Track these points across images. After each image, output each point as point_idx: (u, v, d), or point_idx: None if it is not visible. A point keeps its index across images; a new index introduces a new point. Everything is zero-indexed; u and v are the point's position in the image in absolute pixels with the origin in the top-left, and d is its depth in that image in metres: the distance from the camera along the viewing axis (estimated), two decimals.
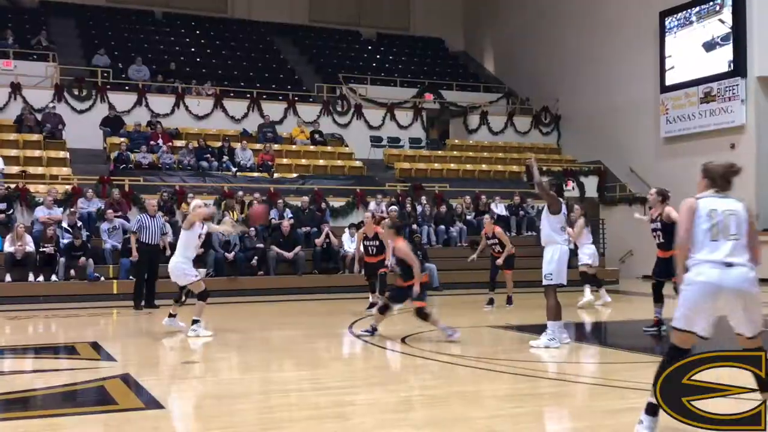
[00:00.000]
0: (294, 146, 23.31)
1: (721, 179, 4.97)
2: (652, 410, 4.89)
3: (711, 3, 21.69)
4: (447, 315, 9.92)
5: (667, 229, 9.48)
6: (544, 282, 8.82)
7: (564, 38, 27.26)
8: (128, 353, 9.03)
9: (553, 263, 8.75)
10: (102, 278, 15.94)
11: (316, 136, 23.87)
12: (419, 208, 19.72)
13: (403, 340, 9.48)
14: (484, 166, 24.40)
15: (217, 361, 8.63)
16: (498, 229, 13.92)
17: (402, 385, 7.09)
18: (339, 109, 25.50)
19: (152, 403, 6.04)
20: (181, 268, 10.12)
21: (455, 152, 25.45)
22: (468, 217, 20.25)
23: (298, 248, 17.45)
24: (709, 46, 21.72)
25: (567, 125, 27.65)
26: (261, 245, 17.30)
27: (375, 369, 8.33)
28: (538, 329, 9.10)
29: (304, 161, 22.49)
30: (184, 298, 11.44)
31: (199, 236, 10.78)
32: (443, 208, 20.10)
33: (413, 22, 34.48)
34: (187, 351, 9.27)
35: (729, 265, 4.67)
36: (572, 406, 6.20)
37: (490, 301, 13.75)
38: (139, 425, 5.43)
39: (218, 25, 30.72)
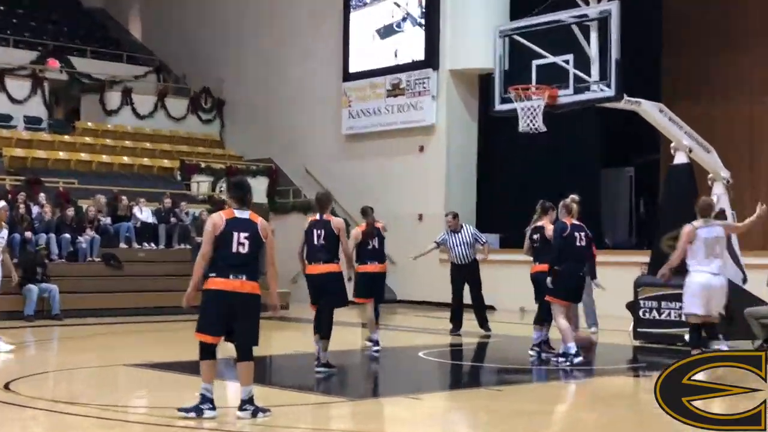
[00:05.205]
0: None
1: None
2: None
3: None
4: (71, 351, 9.46)
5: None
6: None
7: (231, 5, 27.66)
8: None
9: None
10: None
11: None
12: (36, 210, 18.78)
13: (6, 386, 9.01)
14: (126, 159, 24.05)
15: None
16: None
17: None
18: None
19: None
20: None
21: (88, 138, 24.81)
22: (103, 222, 19.63)
23: None
24: (387, 31, 23.31)
25: (233, 113, 28.09)
26: None
27: None
28: (181, 367, 9.20)
29: None
30: None
31: None
32: (70, 211, 19.30)
33: None
34: None
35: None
36: None
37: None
38: None
39: None
